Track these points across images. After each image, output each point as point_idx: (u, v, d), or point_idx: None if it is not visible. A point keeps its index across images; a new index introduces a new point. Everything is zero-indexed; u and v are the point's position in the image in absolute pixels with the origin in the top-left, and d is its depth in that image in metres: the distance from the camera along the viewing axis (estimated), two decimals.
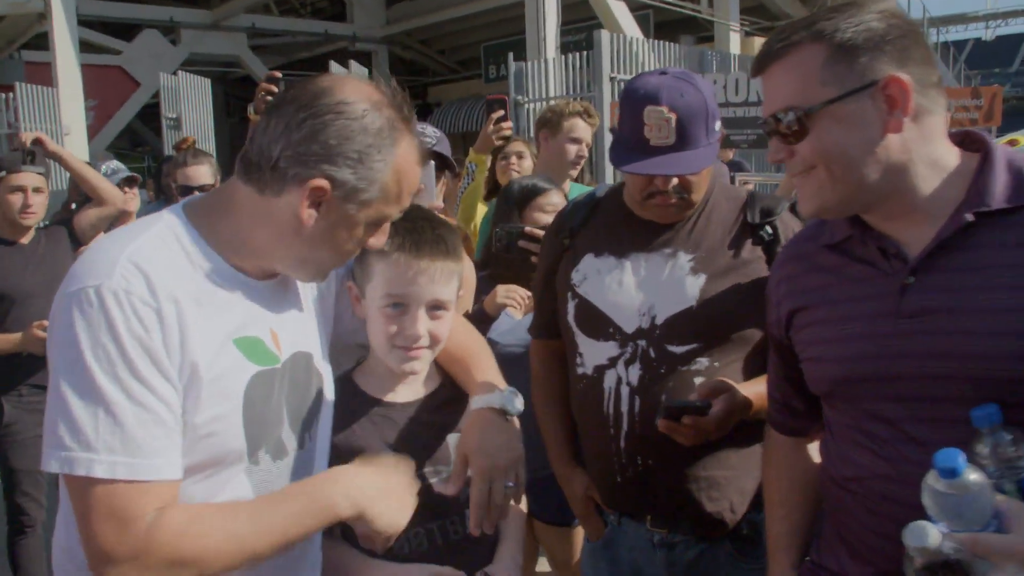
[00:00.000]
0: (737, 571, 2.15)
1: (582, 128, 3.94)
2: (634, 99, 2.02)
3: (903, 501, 1.27)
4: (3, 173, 3.97)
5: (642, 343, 2.08)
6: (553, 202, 3.05)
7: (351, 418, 1.80)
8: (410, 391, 1.89)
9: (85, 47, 15.25)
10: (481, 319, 2.85)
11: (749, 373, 2.06)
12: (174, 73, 12.96)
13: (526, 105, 10.32)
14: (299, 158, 1.39)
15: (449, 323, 1.83)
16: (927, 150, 1.42)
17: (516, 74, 10.44)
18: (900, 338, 1.43)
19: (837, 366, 1.54)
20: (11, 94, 11.08)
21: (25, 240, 4.09)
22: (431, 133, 2.70)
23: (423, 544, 1.80)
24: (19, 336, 3.75)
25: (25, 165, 3.99)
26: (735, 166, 9.30)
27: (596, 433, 2.16)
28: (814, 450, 1.79)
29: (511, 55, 10.84)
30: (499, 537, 1.89)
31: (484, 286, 2.99)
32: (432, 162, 2.26)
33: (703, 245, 2.11)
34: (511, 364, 2.15)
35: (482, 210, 4.11)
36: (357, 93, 1.43)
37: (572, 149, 3.93)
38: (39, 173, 4.05)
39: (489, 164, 4.10)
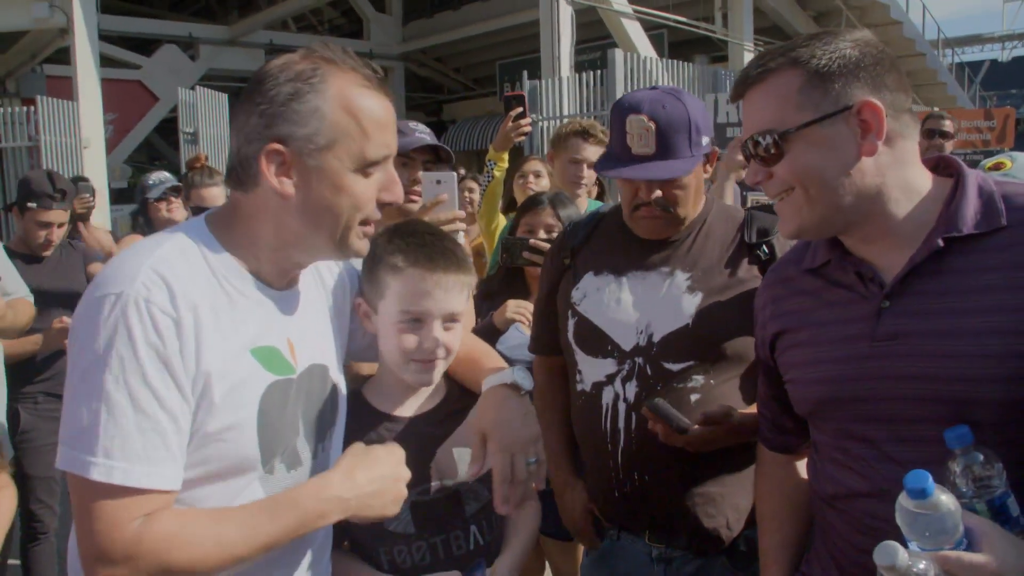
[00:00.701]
0: None
1: (582, 148, 3.84)
2: (619, 109, 2.10)
3: (884, 519, 1.30)
4: (34, 205, 4.09)
5: (639, 360, 2.12)
6: (545, 221, 3.08)
7: (359, 432, 1.81)
8: (417, 404, 1.90)
9: (105, 62, 15.44)
10: (490, 333, 2.88)
11: (743, 391, 2.10)
12: (192, 88, 13.10)
13: (540, 123, 10.39)
14: (249, 137, 1.44)
15: (460, 334, 1.85)
16: (900, 174, 1.46)
17: (530, 92, 10.51)
18: (876, 360, 1.46)
19: (817, 388, 1.57)
20: (32, 107, 11.21)
21: (45, 252, 4.23)
22: (422, 129, 2.71)
23: (426, 557, 1.81)
24: (39, 337, 3.86)
25: (56, 203, 4.12)
26: (746, 185, 9.31)
27: (594, 448, 2.19)
28: (804, 466, 1.82)
29: (526, 73, 10.92)
30: (503, 548, 1.90)
31: (481, 305, 3.03)
32: (453, 174, 2.29)
33: (700, 264, 2.14)
34: None
35: (502, 220, 4.10)
36: (276, 61, 1.49)
37: (571, 169, 3.86)
38: (65, 210, 4.20)
39: (507, 162, 4.06)
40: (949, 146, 5.92)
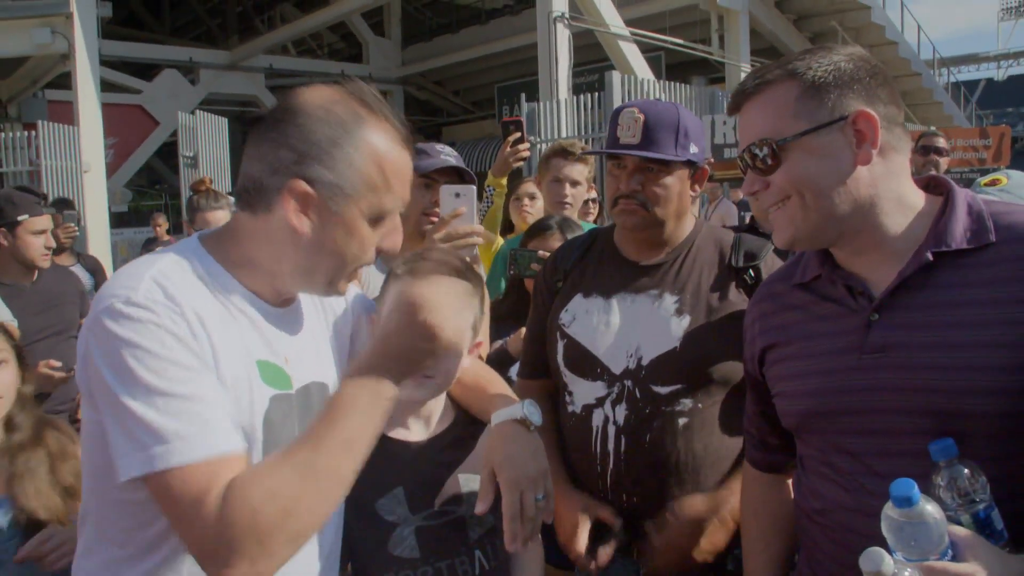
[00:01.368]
0: None
1: (563, 167, 3.81)
2: (617, 110, 2.18)
3: (866, 532, 1.30)
4: (25, 216, 3.98)
5: (628, 383, 2.12)
6: (553, 246, 3.08)
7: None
8: (422, 429, 1.90)
9: (106, 86, 15.56)
10: (503, 361, 2.88)
11: (730, 415, 2.10)
12: (192, 112, 13.19)
13: (539, 145, 10.45)
14: (274, 169, 1.42)
15: (459, 358, 1.83)
16: (893, 186, 1.49)
17: (529, 114, 10.57)
18: (864, 373, 1.47)
19: (805, 400, 1.58)
20: (34, 132, 11.27)
21: (26, 281, 4.08)
22: (448, 151, 2.72)
23: None
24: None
25: (43, 207, 4.07)
26: (744, 205, 9.36)
27: (584, 470, 2.19)
28: (791, 486, 1.83)
29: (524, 96, 10.99)
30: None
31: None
32: (472, 187, 2.30)
33: (688, 287, 2.16)
34: None
35: (499, 243, 4.07)
36: (316, 97, 1.46)
37: (554, 189, 3.82)
38: (52, 214, 4.21)
39: (505, 187, 4.03)
40: (944, 163, 5.96)
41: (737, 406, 2.00)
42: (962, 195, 1.50)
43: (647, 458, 2.09)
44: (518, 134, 3.60)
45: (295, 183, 1.41)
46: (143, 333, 1.32)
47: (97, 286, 4.58)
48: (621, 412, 2.12)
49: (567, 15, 13.82)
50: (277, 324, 1.56)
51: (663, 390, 2.09)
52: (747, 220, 5.16)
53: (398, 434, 1.87)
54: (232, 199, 4.60)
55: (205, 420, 1.31)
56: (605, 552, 2.14)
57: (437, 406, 1.92)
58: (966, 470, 1.30)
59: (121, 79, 19.62)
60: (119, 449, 1.31)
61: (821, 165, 1.46)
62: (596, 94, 10.51)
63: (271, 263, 1.50)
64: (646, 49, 16.00)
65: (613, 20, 14.84)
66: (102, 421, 1.34)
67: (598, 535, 2.19)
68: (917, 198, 1.52)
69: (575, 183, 3.81)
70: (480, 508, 1.70)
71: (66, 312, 4.18)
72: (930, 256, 1.43)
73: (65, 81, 14.09)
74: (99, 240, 11.89)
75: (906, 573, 1.19)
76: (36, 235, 4.00)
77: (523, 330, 2.87)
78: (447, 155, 2.62)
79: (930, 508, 1.22)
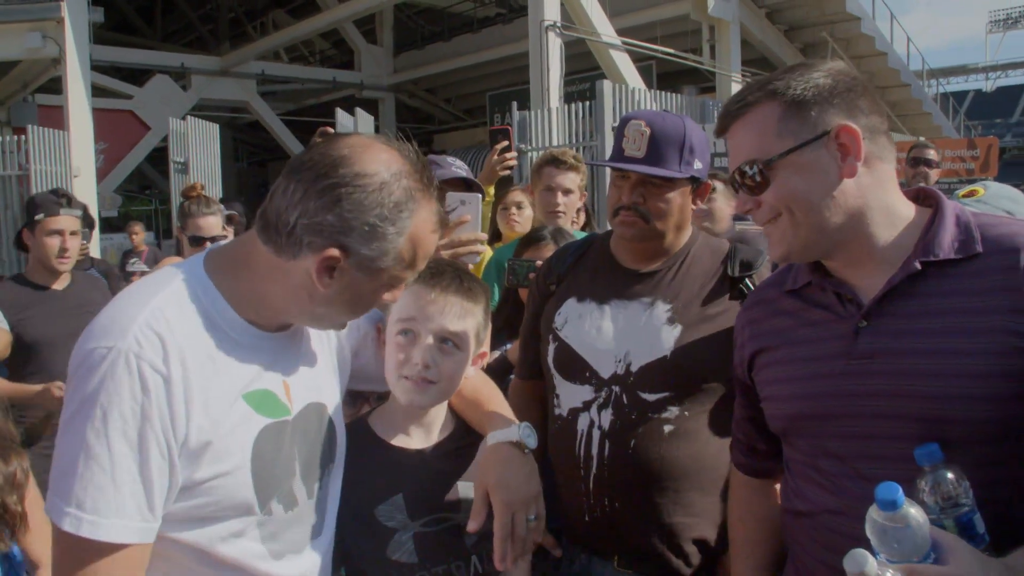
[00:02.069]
0: None
1: (555, 176, 3.83)
2: (624, 119, 2.20)
3: (851, 535, 1.33)
4: (41, 216, 3.95)
5: (616, 389, 2.14)
6: (543, 256, 3.10)
7: (363, 463, 1.82)
8: (422, 437, 1.91)
9: (97, 91, 15.50)
10: (503, 370, 2.89)
11: (716, 424, 2.12)
12: (183, 118, 13.16)
13: (529, 153, 10.46)
14: (314, 227, 1.40)
15: (460, 364, 1.86)
16: (881, 195, 1.52)
17: (520, 123, 10.59)
18: (851, 378, 1.50)
19: (793, 403, 1.61)
20: (23, 136, 11.22)
21: (59, 286, 4.07)
22: (460, 165, 2.74)
23: None
24: (38, 388, 3.70)
25: (63, 208, 3.98)
26: (736, 216, 9.38)
27: (567, 473, 2.21)
28: (778, 491, 1.85)
29: (515, 104, 11.00)
30: None
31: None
32: (479, 195, 2.32)
33: (682, 296, 2.18)
34: None
35: (487, 252, 4.09)
36: (376, 163, 1.43)
37: (546, 197, 3.84)
38: (75, 216, 4.04)
39: (493, 195, 4.05)
40: (934, 175, 6.02)
41: (724, 417, 2.02)
42: (950, 207, 1.54)
43: (630, 463, 2.10)
44: (505, 143, 3.62)
45: (332, 250, 1.41)
46: (110, 394, 1.32)
47: (113, 292, 4.53)
48: (607, 417, 2.13)
49: (559, 24, 13.86)
50: (275, 351, 1.57)
51: (651, 397, 2.11)
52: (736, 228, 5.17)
53: (399, 441, 1.89)
54: (221, 206, 4.61)
55: (120, 501, 1.32)
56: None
57: (439, 415, 1.94)
58: (950, 475, 1.33)
59: (112, 84, 19.57)
60: (50, 482, 1.35)
61: (808, 181, 1.49)
62: (587, 103, 10.54)
63: (280, 302, 1.51)
64: (637, 58, 16.05)
65: (605, 29, 14.89)
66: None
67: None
68: (907, 208, 1.56)
69: (567, 192, 3.83)
70: (472, 526, 1.74)
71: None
72: (918, 265, 1.47)
73: (56, 86, 14.07)
74: (90, 245, 11.82)
75: (888, 574, 1.21)
76: (51, 235, 3.95)
77: None
78: (458, 167, 2.68)
79: (914, 512, 1.24)
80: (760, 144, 1.52)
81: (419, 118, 27.12)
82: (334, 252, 1.41)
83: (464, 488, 1.86)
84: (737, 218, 8.90)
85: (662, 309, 2.16)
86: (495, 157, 3.62)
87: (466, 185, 2.64)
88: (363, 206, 1.40)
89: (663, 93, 11.62)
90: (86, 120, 12.90)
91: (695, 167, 2.16)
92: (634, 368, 2.12)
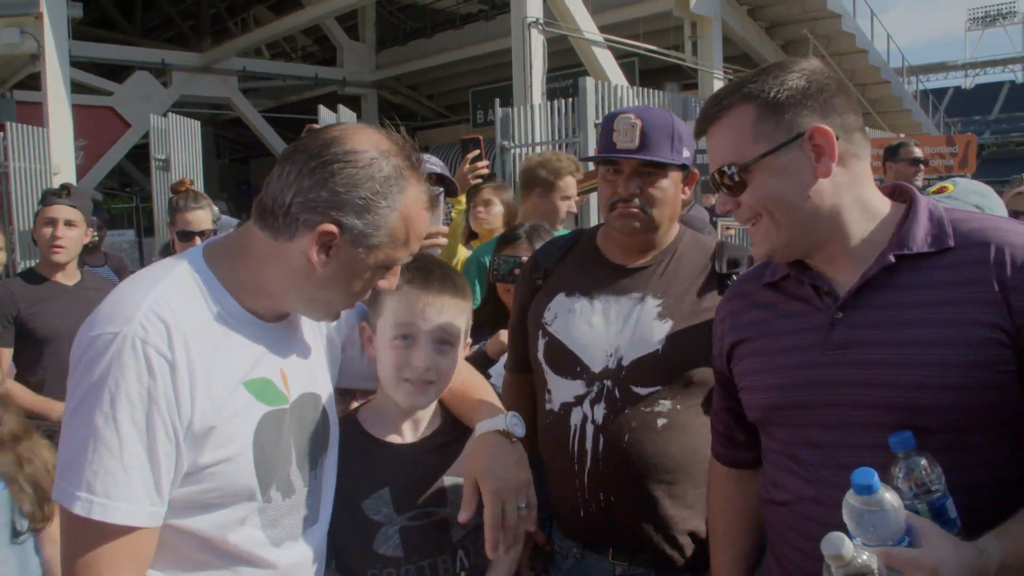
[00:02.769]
0: None
1: (573, 186, 4.02)
2: (610, 116, 2.22)
3: (828, 523, 1.36)
4: (40, 207, 4.01)
5: (608, 383, 2.15)
6: (517, 254, 3.12)
7: (351, 457, 1.84)
8: (411, 432, 1.93)
9: (77, 88, 15.38)
10: (482, 362, 2.90)
11: (708, 415, 2.12)
12: (164, 115, 13.06)
13: (512, 150, 10.47)
14: (309, 204, 1.45)
15: (455, 361, 1.89)
16: (857, 192, 1.56)
17: (503, 120, 10.59)
18: (827, 368, 1.54)
19: (771, 393, 1.65)
20: (2, 133, 11.12)
21: (68, 281, 4.09)
22: (435, 161, 2.77)
23: None
24: (54, 405, 3.73)
25: (59, 199, 4.00)
26: (714, 211, 9.43)
27: (560, 468, 2.22)
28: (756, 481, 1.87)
29: (498, 101, 11.01)
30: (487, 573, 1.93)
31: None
32: (441, 189, 2.34)
33: (671, 291, 2.20)
34: None
35: (463, 253, 4.15)
36: (366, 142, 1.50)
37: (564, 206, 3.99)
38: (73, 206, 4.03)
39: (465, 204, 4.14)
40: (922, 173, 6.18)
41: None
42: (924, 202, 1.57)
43: (625, 457, 2.12)
44: (477, 151, 3.67)
45: (326, 225, 1.45)
46: (117, 379, 1.35)
47: None
48: (600, 411, 2.14)
49: (541, 21, 13.87)
50: (274, 340, 1.60)
51: (643, 391, 2.13)
52: (716, 225, 5.20)
53: (387, 436, 1.91)
54: (211, 200, 4.60)
55: (131, 484, 1.35)
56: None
57: (427, 410, 1.96)
58: (923, 461, 1.36)
59: (92, 80, 19.42)
60: (58, 468, 1.37)
61: (784, 182, 1.53)
62: (570, 100, 10.54)
63: (279, 287, 1.54)
64: (620, 55, 16.09)
65: (587, 26, 14.91)
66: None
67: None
68: (882, 204, 1.59)
69: (565, 196, 3.96)
70: (463, 516, 1.77)
71: None
72: (892, 258, 1.50)
73: (34, 82, 13.95)
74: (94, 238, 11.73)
75: (864, 556, 1.25)
76: (46, 225, 3.97)
77: (501, 333, 2.93)
78: (432, 164, 2.69)
79: (889, 496, 1.27)
80: (736, 147, 1.55)
81: (402, 114, 27.04)
82: (329, 227, 1.46)
83: (451, 482, 1.88)
84: (713, 213, 8.96)
85: (652, 304, 2.18)
86: (467, 166, 3.67)
87: (441, 181, 2.67)
88: (355, 180, 1.46)
89: (646, 90, 11.64)
90: (65, 117, 12.79)
91: (684, 155, 2.20)
92: (626, 362, 2.14)
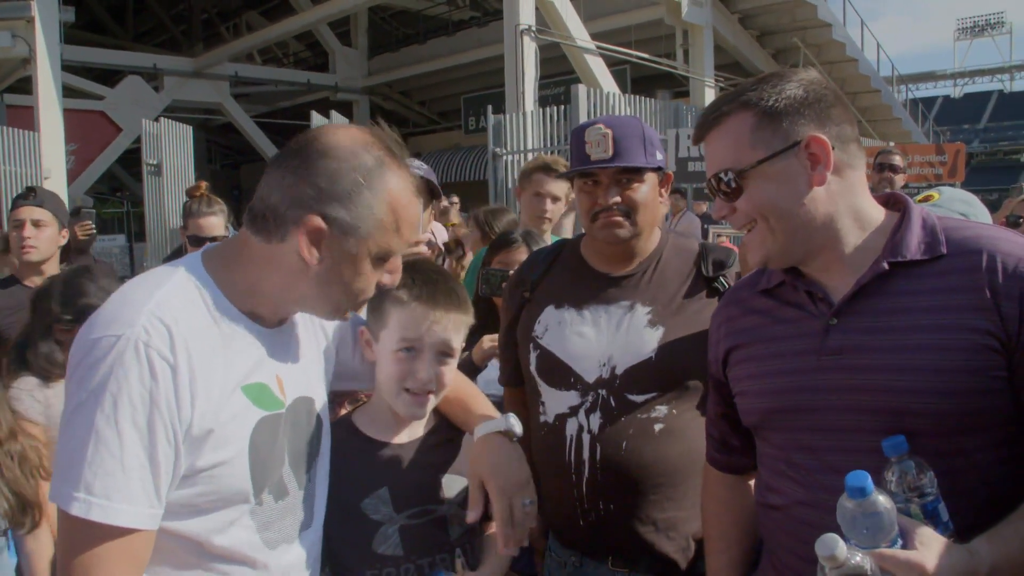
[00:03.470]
0: None
1: (545, 183, 3.88)
2: (578, 130, 2.24)
3: (822, 526, 1.37)
4: (10, 211, 3.99)
5: (602, 392, 2.15)
6: (518, 259, 3.09)
7: (348, 459, 1.86)
8: (407, 433, 1.95)
9: (68, 92, 15.36)
10: (469, 369, 2.90)
11: (704, 415, 2.14)
12: (156, 119, 13.04)
13: (504, 157, 10.50)
14: (295, 202, 1.48)
15: (453, 370, 1.92)
16: (851, 201, 1.58)
17: (495, 126, 10.63)
18: (821, 373, 1.56)
19: (766, 398, 1.66)
20: None
21: (28, 256, 3.98)
22: (418, 165, 2.77)
23: None
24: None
25: (26, 201, 3.95)
26: (708, 219, 9.48)
27: (557, 479, 2.21)
28: (751, 486, 1.89)
29: (490, 107, 11.05)
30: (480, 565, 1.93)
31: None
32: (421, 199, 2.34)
33: (659, 297, 2.21)
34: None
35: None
36: (345, 136, 1.53)
37: (535, 203, 3.91)
38: (39, 206, 3.96)
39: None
40: (900, 180, 6.14)
41: None
42: (917, 210, 1.59)
43: (624, 465, 2.12)
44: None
45: (312, 218, 1.47)
46: (119, 381, 1.35)
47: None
48: (596, 420, 2.15)
49: (534, 28, 13.92)
50: (270, 345, 1.61)
51: (638, 398, 2.13)
52: (708, 233, 5.22)
53: (384, 437, 1.93)
54: (225, 206, 4.56)
55: (129, 485, 1.35)
56: None
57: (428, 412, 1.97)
58: (915, 465, 1.38)
59: (83, 84, 19.37)
60: (54, 469, 1.37)
61: (780, 190, 1.55)
62: (562, 107, 10.59)
63: (277, 291, 1.55)
64: (612, 63, 16.16)
65: (579, 34, 14.97)
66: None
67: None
68: (876, 212, 1.62)
69: (555, 199, 3.90)
70: (472, 516, 1.80)
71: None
72: (886, 265, 1.52)
73: (26, 86, 13.92)
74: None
75: (857, 558, 1.26)
76: (15, 227, 3.92)
77: (484, 339, 2.93)
78: (416, 167, 2.68)
79: (882, 499, 1.29)
80: (734, 154, 1.57)
81: (393, 121, 26.97)
82: (316, 221, 1.47)
83: (448, 481, 1.90)
84: (706, 221, 8.96)
85: (642, 311, 2.19)
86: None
87: (426, 185, 2.67)
88: (337, 173, 1.48)
89: (637, 97, 11.69)
90: (57, 121, 12.78)
91: (658, 157, 2.22)
92: (619, 371, 2.15)
